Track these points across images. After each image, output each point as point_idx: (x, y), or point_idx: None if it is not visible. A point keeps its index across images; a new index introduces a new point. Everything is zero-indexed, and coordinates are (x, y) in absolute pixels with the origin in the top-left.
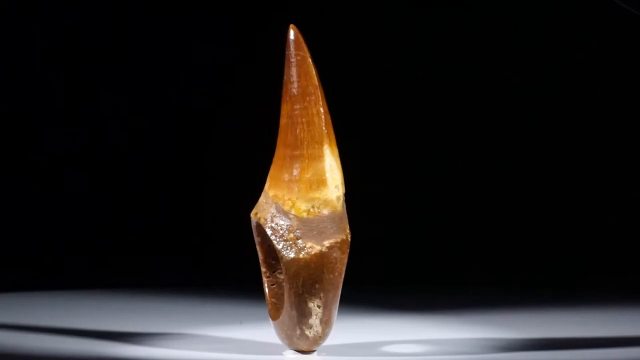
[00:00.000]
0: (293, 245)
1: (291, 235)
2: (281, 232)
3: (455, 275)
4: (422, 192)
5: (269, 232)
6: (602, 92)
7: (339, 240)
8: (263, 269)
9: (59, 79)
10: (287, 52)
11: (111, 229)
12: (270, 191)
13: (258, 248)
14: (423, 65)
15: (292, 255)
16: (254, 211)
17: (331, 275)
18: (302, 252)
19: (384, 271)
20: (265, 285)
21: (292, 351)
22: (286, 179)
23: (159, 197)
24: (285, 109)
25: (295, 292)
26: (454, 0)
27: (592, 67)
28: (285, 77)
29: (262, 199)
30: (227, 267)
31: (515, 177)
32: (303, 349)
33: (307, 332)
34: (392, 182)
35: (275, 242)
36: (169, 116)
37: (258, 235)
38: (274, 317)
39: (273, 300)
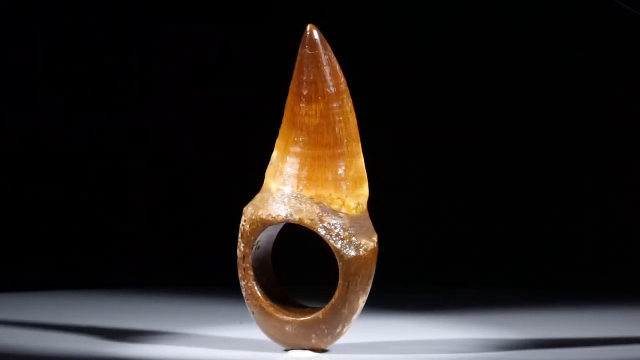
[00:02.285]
0: (350, 243)
1: (346, 233)
2: (337, 231)
3: (455, 275)
4: (422, 192)
5: (322, 232)
6: (602, 92)
7: (377, 235)
8: (250, 273)
9: (59, 78)
10: (312, 52)
11: (111, 229)
12: (307, 192)
13: (247, 251)
14: (424, 65)
15: (353, 253)
16: (272, 214)
17: (375, 271)
18: (361, 250)
19: (385, 271)
20: (256, 288)
21: (303, 350)
22: (330, 179)
23: (158, 197)
24: (315, 109)
25: (352, 289)
26: (455, 0)
27: (592, 67)
28: (312, 77)
29: (286, 200)
30: (227, 267)
31: (515, 177)
32: (324, 347)
33: (345, 329)
34: (393, 182)
35: (333, 242)
36: (165, 118)
37: (257, 237)
38: (301, 318)
39: (269, 302)
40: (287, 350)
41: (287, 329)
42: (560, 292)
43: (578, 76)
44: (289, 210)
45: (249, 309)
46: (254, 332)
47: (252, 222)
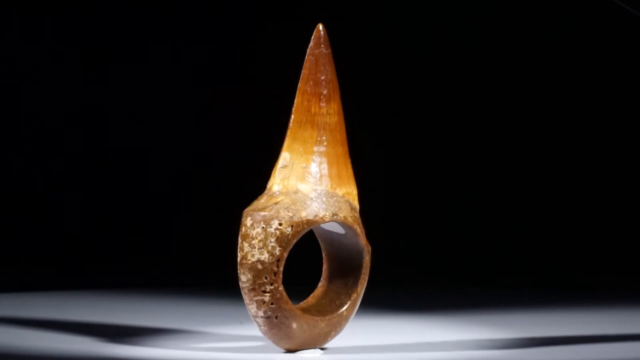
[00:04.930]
0: (364, 236)
1: (362, 227)
2: (361, 226)
3: (455, 275)
4: (422, 192)
5: (358, 229)
6: (602, 92)
7: None
8: (280, 276)
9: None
10: (327, 51)
11: (112, 229)
12: (339, 190)
13: (284, 254)
14: (422, 66)
15: (368, 246)
16: (319, 214)
17: None
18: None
19: (383, 272)
20: (282, 293)
21: (312, 350)
22: (349, 175)
23: (159, 197)
24: (334, 107)
25: (366, 281)
26: (455, 1)
27: (592, 67)
28: (330, 76)
29: (324, 199)
30: (226, 267)
31: (515, 178)
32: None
33: None
34: (392, 182)
35: (361, 237)
36: (166, 118)
37: (297, 239)
38: (327, 316)
39: (284, 305)
40: (293, 352)
41: (316, 328)
42: (560, 292)
43: (576, 76)
44: (332, 209)
45: (268, 314)
46: (254, 332)
47: (297, 224)
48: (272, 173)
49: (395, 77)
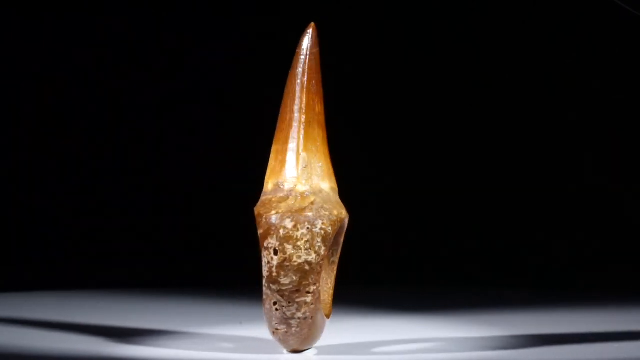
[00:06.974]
0: None
1: None
2: None
3: (454, 275)
4: (421, 192)
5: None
6: (602, 92)
7: None
8: (321, 276)
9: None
10: (318, 50)
11: (112, 229)
12: (336, 186)
13: (326, 254)
14: (421, 66)
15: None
16: (344, 213)
17: None
18: None
19: (382, 271)
20: (320, 293)
21: (312, 349)
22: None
23: (160, 197)
24: (321, 108)
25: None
26: (454, 2)
27: (592, 67)
28: (319, 76)
29: (335, 197)
30: (228, 266)
31: (515, 178)
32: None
33: None
34: (391, 182)
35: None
36: (166, 119)
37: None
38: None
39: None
40: (299, 352)
41: (325, 328)
42: (560, 292)
43: (576, 76)
44: (343, 207)
45: (307, 315)
46: (254, 332)
47: (334, 223)
48: (274, 172)
49: (394, 76)
